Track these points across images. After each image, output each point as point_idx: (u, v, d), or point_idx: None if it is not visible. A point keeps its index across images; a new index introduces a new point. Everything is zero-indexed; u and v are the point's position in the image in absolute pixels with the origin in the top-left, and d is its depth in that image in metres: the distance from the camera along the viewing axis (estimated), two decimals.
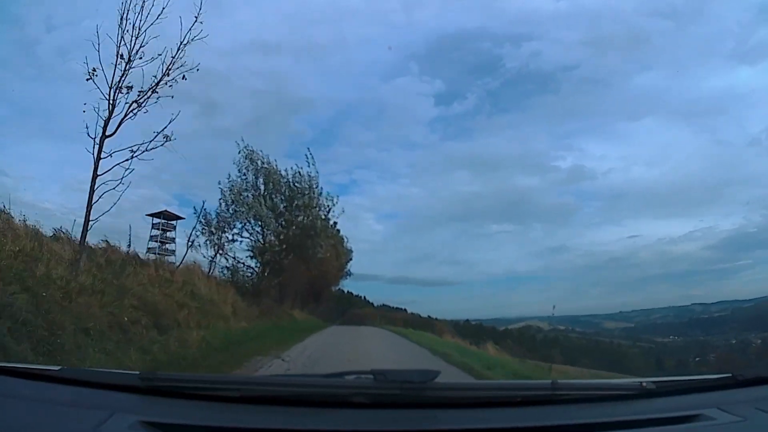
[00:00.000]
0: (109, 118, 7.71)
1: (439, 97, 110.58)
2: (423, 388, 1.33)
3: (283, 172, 23.01)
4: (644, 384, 1.45)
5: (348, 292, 73.41)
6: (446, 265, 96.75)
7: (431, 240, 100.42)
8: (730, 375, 1.57)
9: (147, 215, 24.15)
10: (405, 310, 71.45)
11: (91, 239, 8.41)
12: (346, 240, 36.87)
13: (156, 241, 22.81)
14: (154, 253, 19.77)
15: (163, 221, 23.92)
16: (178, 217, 20.45)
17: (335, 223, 31.43)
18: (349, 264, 42.12)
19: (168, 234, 25.46)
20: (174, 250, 22.50)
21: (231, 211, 21.13)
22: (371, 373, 1.36)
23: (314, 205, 23.78)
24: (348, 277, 44.26)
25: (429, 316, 67.51)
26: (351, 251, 40.36)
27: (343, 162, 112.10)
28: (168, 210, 24.09)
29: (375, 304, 72.77)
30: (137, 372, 1.37)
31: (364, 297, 74.21)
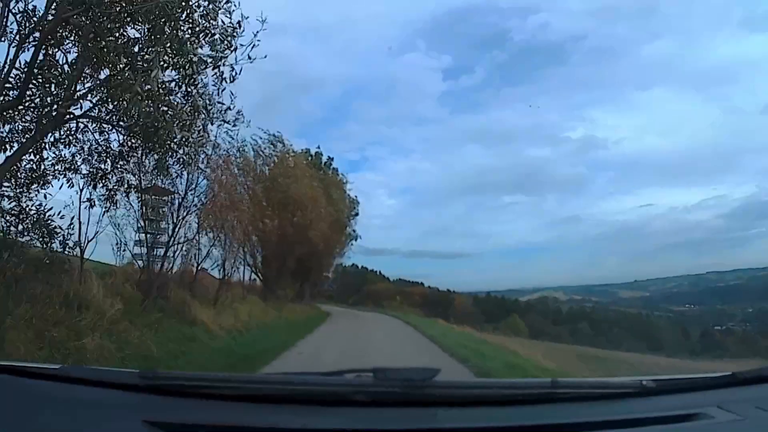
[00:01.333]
0: None
1: (448, 71, 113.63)
2: (423, 386, 1.32)
3: None
4: (644, 382, 1.44)
5: (363, 267, 71.40)
6: (461, 238, 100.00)
7: (445, 213, 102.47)
8: (730, 373, 1.56)
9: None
10: (422, 284, 69.43)
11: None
12: (344, 183, 31.35)
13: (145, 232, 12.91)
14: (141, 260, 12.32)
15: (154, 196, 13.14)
16: (170, 192, 12.20)
17: (317, 154, 28.97)
18: (353, 222, 34.18)
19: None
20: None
21: None
22: (371, 371, 1.35)
23: None
24: (353, 242, 35.82)
25: (448, 290, 65.36)
26: (355, 203, 33.22)
27: (355, 139, 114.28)
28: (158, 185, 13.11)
29: (391, 279, 70.42)
30: (137, 370, 1.35)
31: (380, 272, 72.06)
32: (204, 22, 6.63)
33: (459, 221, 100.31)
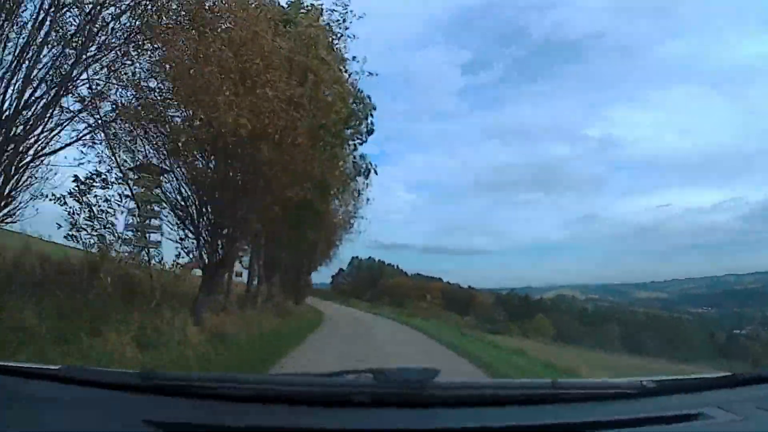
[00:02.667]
0: None
1: (467, 66, 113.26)
2: (423, 386, 1.31)
3: None
4: (644, 383, 1.43)
5: (379, 260, 68.72)
6: (477, 235, 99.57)
7: (462, 209, 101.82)
8: (730, 374, 1.56)
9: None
10: (440, 279, 66.17)
11: None
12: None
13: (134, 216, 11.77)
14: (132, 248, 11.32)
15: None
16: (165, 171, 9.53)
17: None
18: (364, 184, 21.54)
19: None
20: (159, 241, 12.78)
21: None
22: (371, 372, 1.35)
23: None
24: (351, 227, 27.58)
25: (469, 286, 62.31)
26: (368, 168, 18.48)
27: (374, 133, 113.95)
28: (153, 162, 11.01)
29: (409, 273, 67.55)
30: (138, 371, 1.35)
31: (397, 266, 69.25)
32: None
33: (476, 217, 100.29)
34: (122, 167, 9.77)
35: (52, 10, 7.01)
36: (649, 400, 1.41)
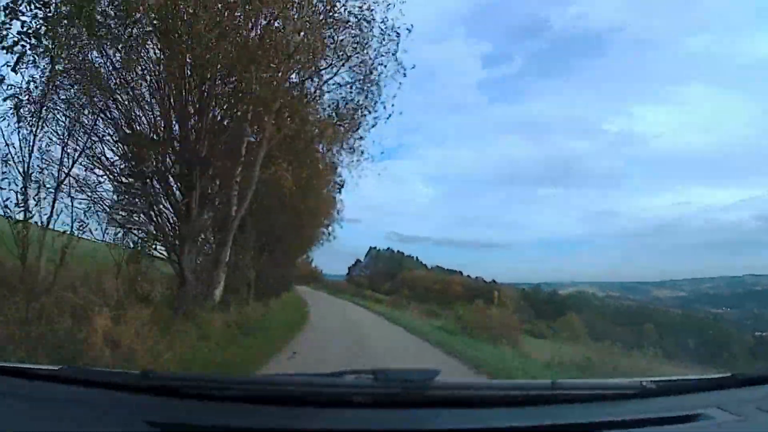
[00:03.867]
0: None
1: (487, 59, 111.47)
2: (423, 387, 1.33)
3: None
4: (644, 383, 1.44)
5: (398, 251, 65.87)
6: (495, 229, 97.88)
7: (480, 203, 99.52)
8: (730, 374, 1.57)
9: None
10: (460, 272, 62.95)
11: None
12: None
13: None
14: None
15: None
16: None
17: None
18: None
19: None
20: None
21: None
22: (371, 373, 1.36)
23: None
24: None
25: (493, 280, 59.00)
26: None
27: (391, 125, 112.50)
28: None
29: (428, 266, 64.51)
30: (138, 371, 1.35)
31: (417, 258, 66.24)
32: None
33: (493, 211, 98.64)
34: None
35: None
36: (649, 401, 1.42)
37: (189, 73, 7.76)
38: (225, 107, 8.89)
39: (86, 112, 7.48)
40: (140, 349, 5.49)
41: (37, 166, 6.73)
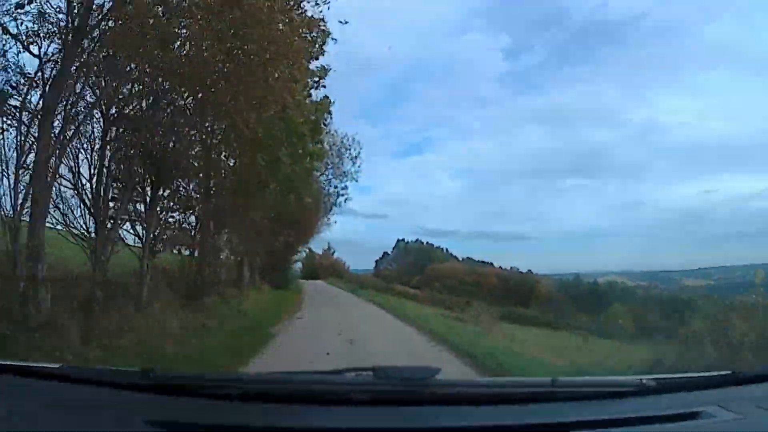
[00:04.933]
0: None
1: (507, 51, 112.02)
2: (424, 384, 1.32)
3: None
4: (644, 381, 1.44)
5: (428, 242, 63.10)
6: (521, 221, 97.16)
7: (505, 195, 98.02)
8: (730, 372, 1.56)
9: None
10: (491, 264, 59.58)
11: None
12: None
13: None
14: None
15: None
16: None
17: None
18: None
19: None
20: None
21: None
22: (372, 370, 1.36)
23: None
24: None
25: (529, 271, 55.66)
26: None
27: (415, 120, 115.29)
28: None
29: (459, 258, 61.48)
30: (140, 370, 1.34)
31: (447, 249, 63.29)
32: None
33: (519, 203, 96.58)
34: None
35: None
36: (649, 399, 1.41)
37: None
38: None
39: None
40: None
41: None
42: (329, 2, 8.94)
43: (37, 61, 7.14)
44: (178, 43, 7.88)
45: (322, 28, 9.93)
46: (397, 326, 14.21)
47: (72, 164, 8.01)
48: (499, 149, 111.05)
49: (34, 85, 7.21)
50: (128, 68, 7.93)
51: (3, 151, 6.89)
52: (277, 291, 24.86)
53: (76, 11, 7.01)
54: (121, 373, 1.48)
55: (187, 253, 13.27)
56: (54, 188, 7.44)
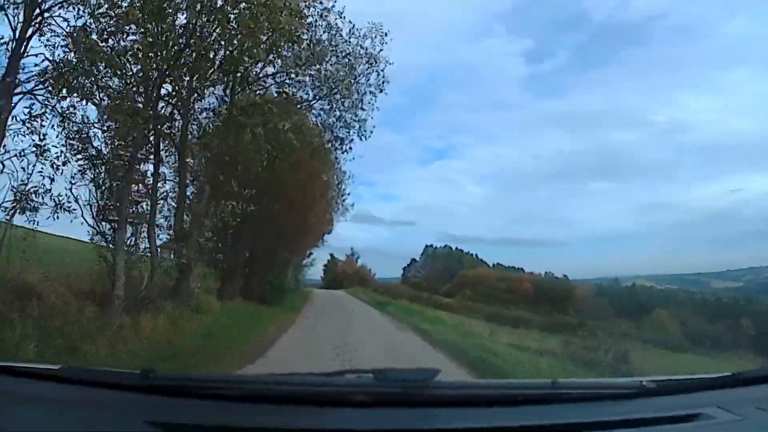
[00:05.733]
0: None
1: (528, 55, 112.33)
2: (423, 386, 1.32)
3: None
4: (644, 383, 1.44)
5: (457, 248, 61.74)
6: (547, 225, 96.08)
7: (530, 200, 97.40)
8: (730, 374, 1.57)
9: None
10: (522, 269, 57.78)
11: None
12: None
13: None
14: None
15: None
16: None
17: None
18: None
19: None
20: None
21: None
22: (371, 372, 1.36)
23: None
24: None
25: (565, 276, 53.79)
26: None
27: (439, 127, 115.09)
28: None
29: (489, 264, 59.92)
30: (138, 371, 1.34)
31: (476, 255, 61.75)
32: None
33: (544, 208, 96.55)
34: None
35: None
36: (649, 401, 1.42)
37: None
38: None
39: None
40: None
41: None
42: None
43: None
44: None
45: None
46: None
47: None
48: (523, 154, 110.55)
49: None
50: None
51: None
52: (258, 307, 15.38)
53: None
54: (121, 374, 1.47)
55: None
56: None
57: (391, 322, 17.61)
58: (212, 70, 9.01)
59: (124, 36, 8.03)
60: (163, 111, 9.70)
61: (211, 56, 8.63)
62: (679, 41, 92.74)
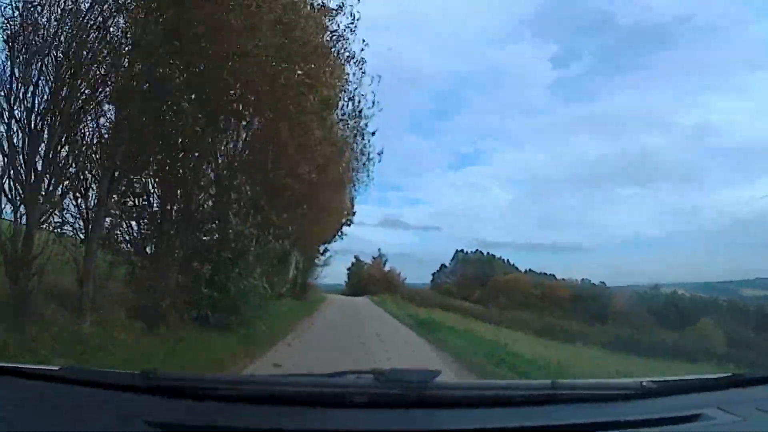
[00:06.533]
0: None
1: (555, 59, 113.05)
2: (423, 387, 1.32)
3: None
4: (644, 384, 1.44)
5: (488, 253, 60.57)
6: (575, 231, 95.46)
7: (559, 205, 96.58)
8: (730, 375, 1.58)
9: None
10: (554, 275, 56.25)
11: None
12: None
13: None
14: None
15: None
16: None
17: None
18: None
19: None
20: None
21: None
22: (372, 373, 1.37)
23: None
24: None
25: (603, 283, 52.15)
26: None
27: (466, 132, 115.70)
28: None
29: (521, 269, 58.56)
30: (138, 371, 1.34)
31: (508, 260, 60.43)
32: None
33: (573, 213, 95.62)
34: None
35: None
36: (649, 401, 1.42)
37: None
38: None
39: None
40: None
41: None
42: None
43: None
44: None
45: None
46: None
47: None
48: (551, 158, 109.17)
49: None
50: None
51: None
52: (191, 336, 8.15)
53: None
54: (120, 375, 1.45)
55: None
56: None
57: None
58: None
59: None
60: None
61: None
62: (706, 43, 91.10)
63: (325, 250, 28.29)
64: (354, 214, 24.32)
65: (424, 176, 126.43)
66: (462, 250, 63.06)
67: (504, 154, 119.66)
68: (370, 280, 52.02)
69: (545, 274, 58.17)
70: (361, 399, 1.29)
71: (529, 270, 59.51)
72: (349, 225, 25.26)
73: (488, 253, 62.78)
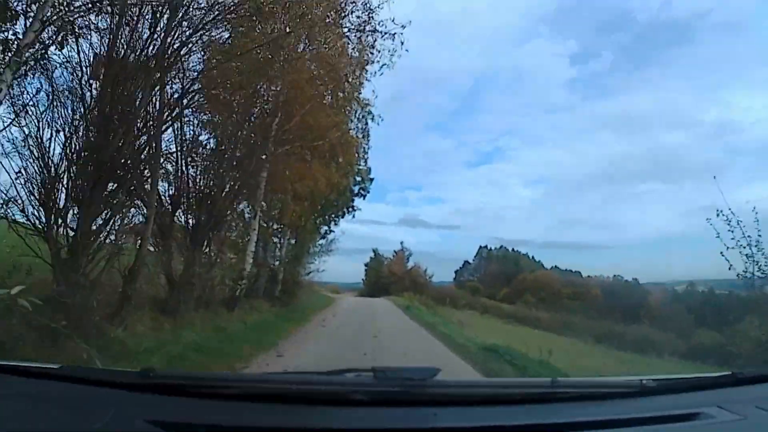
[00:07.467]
0: None
1: (574, 57, 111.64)
2: (423, 385, 1.32)
3: None
4: (644, 382, 1.44)
5: (514, 249, 58.81)
6: (596, 228, 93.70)
7: (580, 203, 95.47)
8: (730, 373, 1.56)
9: None
10: (579, 273, 54.18)
11: None
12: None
13: None
14: None
15: None
16: None
17: None
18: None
19: None
20: None
21: None
22: (371, 371, 1.35)
23: None
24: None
25: (635, 279, 49.89)
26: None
27: (487, 130, 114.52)
28: None
29: (546, 266, 56.54)
30: (138, 369, 1.33)
31: (533, 257, 58.54)
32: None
33: (593, 211, 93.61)
34: None
35: None
36: (649, 399, 1.41)
37: None
38: None
39: None
40: None
41: None
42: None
43: None
44: None
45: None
46: None
47: None
48: (571, 156, 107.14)
49: None
50: None
51: None
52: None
53: None
54: (121, 373, 1.46)
55: None
56: None
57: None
58: None
59: None
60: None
61: None
62: (725, 38, 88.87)
63: (328, 232, 20.11)
64: (368, 167, 18.16)
65: (443, 175, 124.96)
66: (486, 247, 61.25)
67: (524, 151, 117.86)
68: (391, 277, 46.34)
69: (571, 271, 56.10)
70: (360, 397, 1.28)
71: (555, 267, 57.49)
72: (364, 195, 18.41)
73: (513, 249, 60.93)
